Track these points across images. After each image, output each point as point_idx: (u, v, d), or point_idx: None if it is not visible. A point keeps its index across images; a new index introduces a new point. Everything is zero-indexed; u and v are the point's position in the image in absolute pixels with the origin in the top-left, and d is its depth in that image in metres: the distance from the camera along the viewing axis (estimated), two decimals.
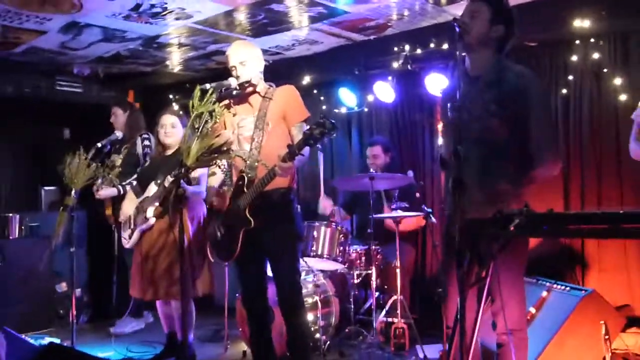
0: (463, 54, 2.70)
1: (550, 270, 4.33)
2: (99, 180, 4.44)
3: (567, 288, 3.85)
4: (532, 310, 3.80)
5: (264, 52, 5.37)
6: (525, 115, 2.62)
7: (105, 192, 4.83)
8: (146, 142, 5.10)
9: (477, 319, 2.55)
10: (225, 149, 2.98)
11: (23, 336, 3.68)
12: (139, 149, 5.06)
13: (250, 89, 3.34)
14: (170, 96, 6.80)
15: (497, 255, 2.51)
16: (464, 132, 2.40)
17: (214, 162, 3.03)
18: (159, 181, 4.04)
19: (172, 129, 4.21)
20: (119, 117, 5.30)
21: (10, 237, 5.47)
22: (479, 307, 2.56)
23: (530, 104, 2.63)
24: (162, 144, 4.27)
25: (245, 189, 3.22)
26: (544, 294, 3.88)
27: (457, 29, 2.50)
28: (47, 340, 4.31)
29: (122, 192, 4.79)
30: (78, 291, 5.65)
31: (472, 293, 2.57)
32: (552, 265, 4.50)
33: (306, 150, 3.03)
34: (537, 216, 2.36)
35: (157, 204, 4.09)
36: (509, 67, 2.73)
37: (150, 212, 4.09)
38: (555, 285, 3.90)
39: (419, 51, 4.88)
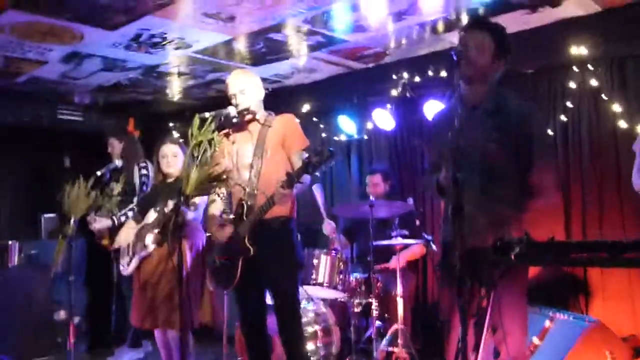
0: (460, 82, 2.74)
1: (553, 298, 4.28)
2: (92, 213, 4.40)
3: (571, 317, 3.79)
4: (536, 340, 3.74)
5: (263, 80, 5.38)
6: (525, 144, 2.65)
7: (100, 224, 4.77)
8: (143, 172, 5.06)
9: (479, 349, 2.53)
10: (224, 177, 2.98)
11: None
12: (136, 178, 5.04)
13: (249, 116, 3.36)
14: (171, 124, 6.83)
15: (498, 283, 2.50)
16: (463, 159, 2.41)
17: (213, 190, 3.03)
18: (158, 208, 4.03)
19: (173, 158, 4.19)
20: (115, 147, 5.30)
21: (10, 265, 5.44)
22: (481, 336, 2.55)
23: (531, 134, 2.67)
24: (164, 173, 4.26)
25: (244, 217, 3.21)
26: (547, 323, 3.81)
27: (455, 58, 2.53)
28: None
29: (116, 223, 4.75)
30: (77, 319, 5.61)
31: (471, 323, 2.57)
32: (555, 293, 4.44)
33: (306, 178, 3.03)
34: (539, 245, 2.35)
35: (156, 231, 4.07)
36: (508, 96, 2.76)
37: (149, 239, 4.07)
38: (558, 315, 3.83)
39: (417, 79, 4.91)
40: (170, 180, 4.22)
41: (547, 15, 4.11)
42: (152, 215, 4.12)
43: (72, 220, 3.81)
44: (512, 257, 2.39)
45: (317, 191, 4.94)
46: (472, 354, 2.53)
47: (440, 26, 4.25)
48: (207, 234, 3.62)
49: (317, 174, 2.99)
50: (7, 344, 4.90)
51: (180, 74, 5.36)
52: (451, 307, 2.77)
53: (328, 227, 5.03)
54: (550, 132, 4.62)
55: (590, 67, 4.49)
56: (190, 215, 3.84)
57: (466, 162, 2.45)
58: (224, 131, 3.32)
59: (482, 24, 2.77)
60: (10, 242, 5.50)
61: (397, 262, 4.52)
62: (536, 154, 2.67)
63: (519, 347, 2.73)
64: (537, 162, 2.66)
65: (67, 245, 3.85)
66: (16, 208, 7.22)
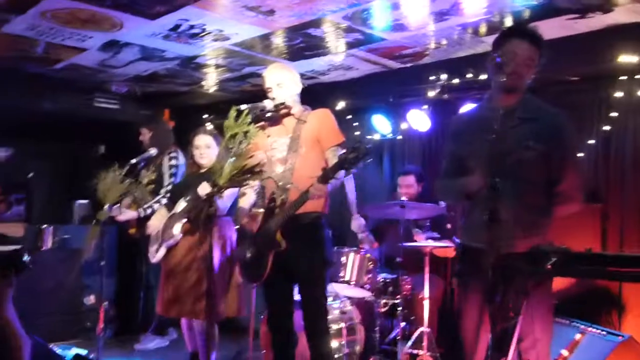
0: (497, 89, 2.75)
1: (585, 311, 4.18)
2: (118, 205, 4.43)
3: (603, 332, 3.70)
4: (565, 352, 3.67)
5: (300, 76, 5.42)
6: (558, 152, 2.67)
7: (125, 216, 4.82)
8: (173, 162, 5.09)
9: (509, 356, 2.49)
10: (257, 170, 2.98)
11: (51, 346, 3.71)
12: (165, 168, 5.08)
13: (284, 111, 3.34)
14: (205, 116, 6.86)
15: (531, 292, 2.46)
16: (498, 165, 2.38)
17: (246, 182, 3.02)
18: (188, 198, 4.05)
19: (207, 149, 4.23)
20: (146, 136, 5.35)
21: (43, 248, 5.54)
22: (510, 344, 2.51)
23: (565, 144, 2.72)
24: (197, 163, 4.28)
25: (276, 211, 3.20)
26: (578, 336, 3.73)
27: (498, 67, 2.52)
28: (74, 351, 4.33)
29: (142, 215, 4.79)
30: (105, 305, 5.69)
31: (485, 330, 2.60)
32: (587, 306, 4.35)
33: (340, 174, 3.01)
34: (575, 255, 2.32)
35: (184, 220, 4.10)
36: (542, 105, 2.77)
37: (177, 228, 4.10)
38: (589, 328, 3.75)
39: (455, 80, 4.84)
40: (202, 170, 4.25)
41: (596, 21, 3.97)
42: (182, 205, 4.15)
43: (105, 207, 3.85)
44: (548, 267, 2.37)
45: (349, 182, 4.90)
46: None
47: (483, 28, 4.17)
48: (237, 227, 3.61)
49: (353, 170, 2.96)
50: (37, 325, 4.96)
51: (217, 66, 5.37)
52: (475, 315, 2.74)
53: (356, 222, 4.98)
54: (591, 141, 4.54)
55: (639, 77, 4.37)
56: (219, 205, 3.85)
57: (500, 168, 2.42)
58: (260, 124, 3.30)
59: (532, 36, 2.72)
60: (44, 226, 5.60)
61: (425, 264, 4.48)
62: (569, 162, 2.72)
63: (546, 357, 2.72)
64: (569, 171, 2.70)
65: (100, 230, 3.89)
66: (51, 193, 7.35)
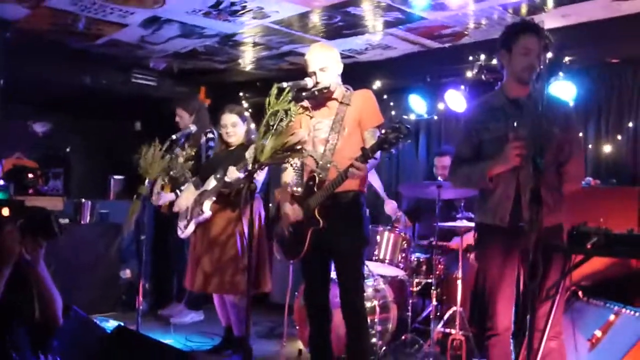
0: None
1: (620, 293, 4.16)
2: (156, 189, 4.50)
3: (637, 313, 3.70)
4: (598, 333, 3.67)
5: None
6: (567, 135, 2.90)
7: (164, 199, 4.89)
8: (210, 141, 5.18)
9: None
10: (298, 147, 3.00)
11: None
12: (202, 147, 5.15)
13: (328, 94, 3.36)
14: (241, 94, 6.90)
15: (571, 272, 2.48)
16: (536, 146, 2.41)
17: (287, 160, 3.06)
18: (218, 176, 4.10)
19: (233, 128, 4.25)
20: (184, 118, 5.40)
21: (82, 222, 5.67)
22: (548, 320, 2.56)
23: (573, 127, 3.04)
24: (225, 142, 4.33)
25: (315, 189, 3.24)
26: (612, 317, 3.72)
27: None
28: (111, 323, 4.44)
29: (179, 196, 4.87)
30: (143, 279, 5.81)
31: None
32: (622, 288, 4.32)
33: (378, 154, 3.03)
34: (616, 236, 2.33)
35: (214, 198, 4.16)
36: (551, 95, 3.09)
37: (207, 205, 4.16)
38: (624, 310, 3.75)
39: (494, 61, 4.80)
40: (231, 149, 4.30)
41: None
42: (212, 182, 4.20)
43: (146, 181, 3.92)
44: (588, 247, 2.38)
45: (373, 176, 4.95)
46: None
47: (524, 9, 4.13)
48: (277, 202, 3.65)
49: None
50: (76, 298, 5.09)
51: (255, 44, 5.39)
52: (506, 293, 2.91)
53: (390, 206, 5.02)
54: (630, 124, 4.49)
55: None
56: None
57: (537, 149, 2.48)
58: (302, 103, 3.33)
59: (539, 30, 2.87)
60: (83, 200, 5.73)
61: (459, 244, 4.49)
62: (575, 144, 2.98)
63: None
64: (576, 152, 2.95)
65: (141, 205, 3.97)
66: (86, 168, 7.49)
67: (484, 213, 3.02)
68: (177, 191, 4.81)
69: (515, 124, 2.83)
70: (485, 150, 2.96)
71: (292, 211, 3.33)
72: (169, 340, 4.74)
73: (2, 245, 2.06)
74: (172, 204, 4.77)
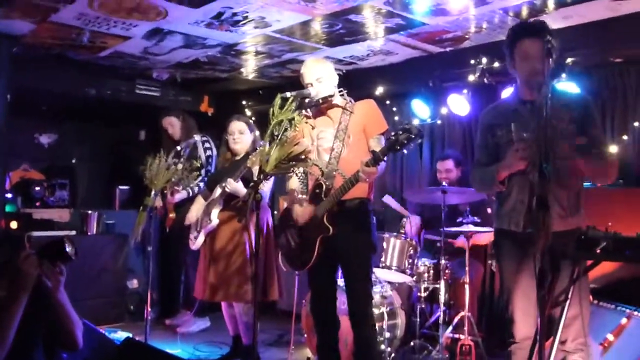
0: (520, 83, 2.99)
1: (632, 296, 4.14)
2: (178, 183, 4.54)
3: None
4: (610, 337, 3.65)
5: (338, 61, 5.44)
6: (587, 129, 2.82)
7: (180, 195, 4.95)
8: (207, 145, 5.24)
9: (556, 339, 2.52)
10: (303, 157, 3.01)
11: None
12: (201, 152, 5.17)
13: (329, 102, 3.38)
14: (243, 102, 6.92)
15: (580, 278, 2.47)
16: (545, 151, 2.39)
17: (292, 169, 3.06)
18: (224, 185, 4.12)
19: (240, 135, 4.28)
20: (175, 125, 5.42)
21: (89, 233, 5.68)
22: (558, 328, 2.54)
23: (595, 120, 2.97)
24: (231, 149, 4.34)
25: (323, 197, 3.24)
26: (624, 320, 3.69)
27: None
28: (119, 334, 4.45)
29: (191, 194, 4.92)
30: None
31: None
32: (634, 291, 4.31)
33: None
34: (625, 240, 2.32)
35: (220, 207, 4.17)
36: (565, 91, 3.04)
37: (214, 214, 4.18)
38: (636, 313, 3.72)
39: (496, 64, 4.80)
40: (237, 157, 4.31)
41: None
42: (218, 191, 4.22)
43: (152, 192, 3.94)
44: (598, 252, 2.37)
45: (389, 199, 4.98)
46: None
47: (525, 11, 4.13)
48: (284, 208, 3.65)
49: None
50: (83, 309, 5.09)
51: (257, 53, 5.41)
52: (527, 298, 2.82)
53: (413, 222, 5.02)
54: (636, 124, 4.47)
55: None
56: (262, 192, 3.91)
57: (545, 154, 2.45)
58: (305, 113, 3.35)
59: (540, 31, 2.80)
60: (89, 211, 5.74)
61: (464, 243, 4.48)
62: (597, 138, 2.86)
63: (585, 336, 2.87)
64: (597, 146, 2.82)
65: (147, 216, 3.99)
66: (92, 179, 7.51)
67: (499, 218, 3.02)
68: (189, 189, 4.85)
69: (516, 126, 2.80)
70: (502, 153, 2.94)
71: (303, 212, 3.33)
72: (177, 350, 4.75)
73: (20, 270, 2.06)
74: (174, 220, 4.81)
